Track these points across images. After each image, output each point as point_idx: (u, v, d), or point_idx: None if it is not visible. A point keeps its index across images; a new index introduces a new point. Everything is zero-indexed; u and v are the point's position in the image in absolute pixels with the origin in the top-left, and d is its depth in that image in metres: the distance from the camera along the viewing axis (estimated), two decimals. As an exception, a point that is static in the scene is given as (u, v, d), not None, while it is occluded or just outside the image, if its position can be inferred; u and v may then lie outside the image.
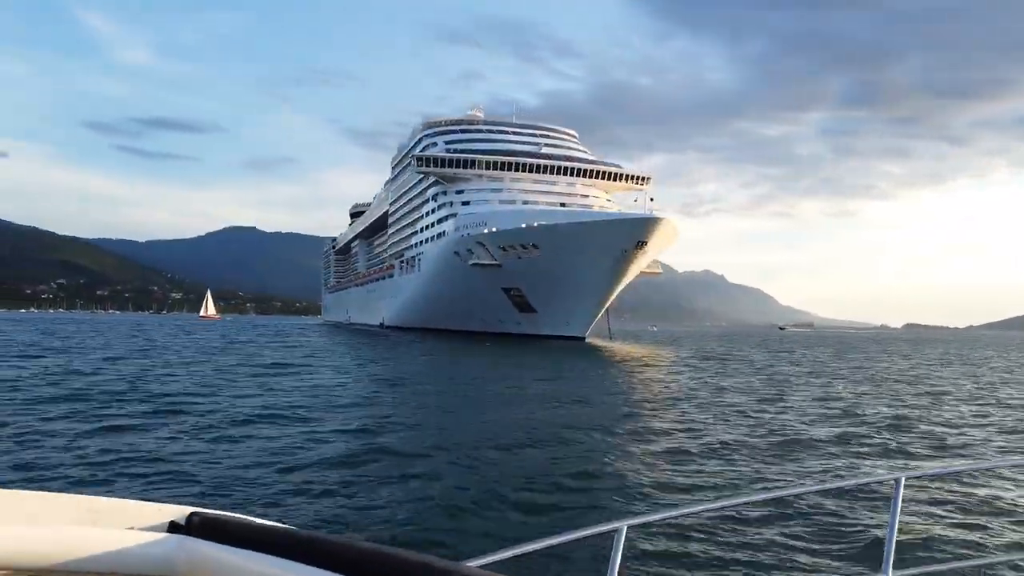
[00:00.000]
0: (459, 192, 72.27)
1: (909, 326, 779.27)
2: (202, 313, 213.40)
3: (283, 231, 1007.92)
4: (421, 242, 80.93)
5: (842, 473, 11.59)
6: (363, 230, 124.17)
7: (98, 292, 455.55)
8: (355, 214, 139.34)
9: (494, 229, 62.50)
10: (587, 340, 63.84)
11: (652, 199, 60.63)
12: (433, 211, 76.85)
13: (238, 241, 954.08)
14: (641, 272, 68.00)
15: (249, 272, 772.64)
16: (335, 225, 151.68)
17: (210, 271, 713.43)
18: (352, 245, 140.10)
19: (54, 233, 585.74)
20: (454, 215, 70.18)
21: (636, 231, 55.68)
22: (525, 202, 68.53)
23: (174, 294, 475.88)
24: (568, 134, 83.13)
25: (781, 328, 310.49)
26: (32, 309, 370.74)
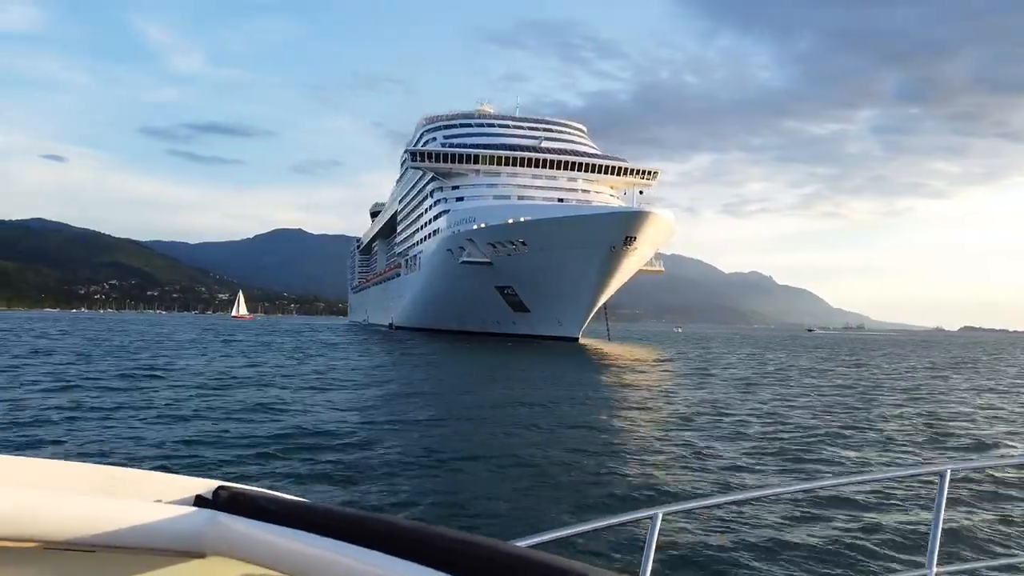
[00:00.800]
0: (455, 188, 70.27)
1: (966, 329, 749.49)
2: (234, 313, 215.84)
3: (329, 233, 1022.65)
4: (421, 240, 79.29)
5: (885, 465, 11.22)
6: (380, 229, 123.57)
7: (148, 293, 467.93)
8: (375, 213, 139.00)
9: (483, 225, 60.31)
10: (581, 341, 61.08)
11: (642, 192, 57.76)
12: (430, 208, 75.01)
13: (285, 243, 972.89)
14: (640, 270, 65.08)
15: (295, 273, 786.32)
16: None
17: (258, 272, 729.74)
18: (373, 245, 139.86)
19: (109, 235, 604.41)
20: (447, 211, 68.21)
21: (623, 226, 52.67)
22: (521, 197, 66.17)
23: (221, 295, 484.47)
24: (575, 128, 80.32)
25: (809, 330, 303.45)
26: (83, 309, 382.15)
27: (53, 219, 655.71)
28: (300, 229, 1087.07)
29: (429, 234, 74.67)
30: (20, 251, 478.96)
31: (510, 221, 57.45)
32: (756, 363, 42.87)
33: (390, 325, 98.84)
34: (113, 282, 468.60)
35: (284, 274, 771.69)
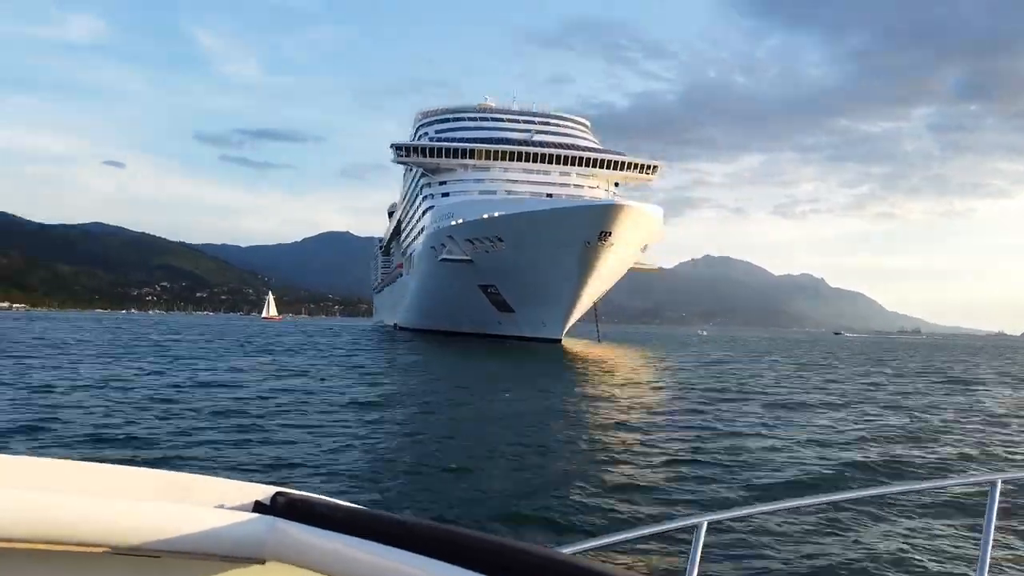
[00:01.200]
0: (442, 183, 68.04)
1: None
2: (264, 315, 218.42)
3: (375, 236, 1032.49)
4: (414, 238, 77.45)
5: (932, 475, 10.94)
6: (394, 228, 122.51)
7: (197, 295, 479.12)
8: (392, 212, 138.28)
9: (460, 221, 57.87)
10: (564, 343, 57.96)
11: (617, 184, 54.35)
12: (420, 204, 73.03)
13: (333, 245, 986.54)
14: (634, 269, 61.88)
15: (342, 276, 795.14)
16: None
17: (305, 274, 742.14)
18: (391, 245, 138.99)
19: (163, 239, 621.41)
20: (432, 208, 66.02)
21: (597, 221, 49.42)
22: (510, 192, 63.54)
23: (268, 296, 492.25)
24: (575, 122, 77.11)
25: (836, 333, 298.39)
26: (132, 311, 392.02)
27: (112, 223, 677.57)
28: (347, 232, 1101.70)
29: (419, 232, 72.75)
30: (79, 254, 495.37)
31: (485, 216, 54.89)
32: (735, 369, 38.80)
33: (395, 326, 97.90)
34: (164, 284, 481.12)
35: (331, 276, 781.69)
